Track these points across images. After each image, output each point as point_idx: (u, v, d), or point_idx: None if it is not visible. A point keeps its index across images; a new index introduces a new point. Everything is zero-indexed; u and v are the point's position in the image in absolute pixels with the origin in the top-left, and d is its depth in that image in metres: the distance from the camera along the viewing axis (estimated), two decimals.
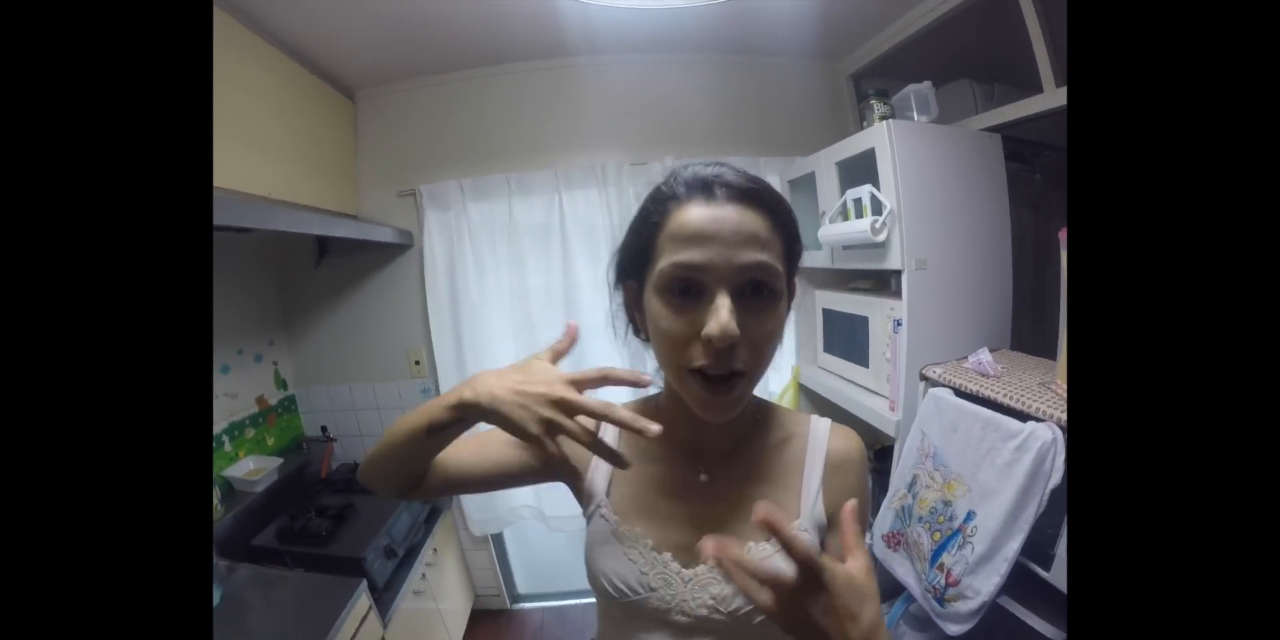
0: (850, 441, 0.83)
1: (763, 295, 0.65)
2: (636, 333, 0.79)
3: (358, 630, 1.68)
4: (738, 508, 0.77)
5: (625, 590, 0.75)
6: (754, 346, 0.65)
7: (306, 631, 1.54)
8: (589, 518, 0.82)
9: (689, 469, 0.80)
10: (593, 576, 0.80)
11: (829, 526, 0.78)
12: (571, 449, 0.71)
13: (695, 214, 0.64)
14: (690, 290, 0.64)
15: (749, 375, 0.66)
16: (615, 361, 0.93)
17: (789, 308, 0.71)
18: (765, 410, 0.85)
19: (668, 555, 0.75)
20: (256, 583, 1.77)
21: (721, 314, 0.61)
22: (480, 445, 0.82)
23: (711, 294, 0.63)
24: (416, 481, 0.79)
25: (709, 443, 0.80)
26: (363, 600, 1.74)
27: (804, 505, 0.78)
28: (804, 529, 0.76)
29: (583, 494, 0.84)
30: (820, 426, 0.84)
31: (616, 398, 0.81)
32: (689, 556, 0.75)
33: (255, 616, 1.63)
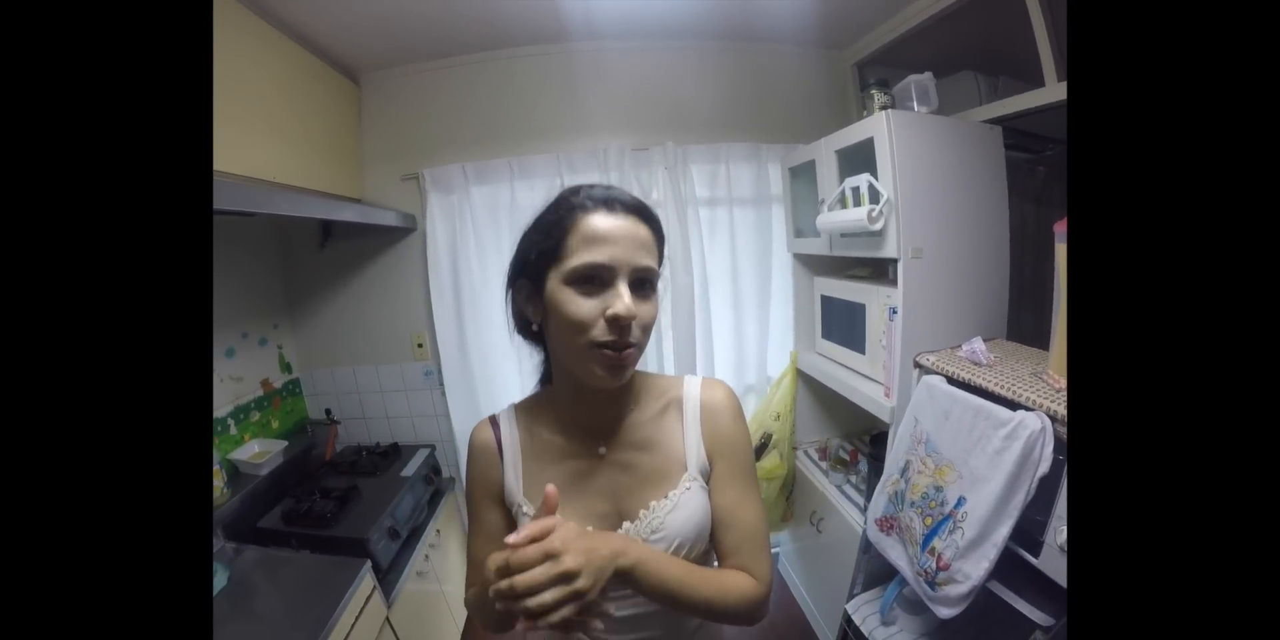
0: (717, 390, 0.97)
1: (646, 288, 0.82)
2: (521, 330, 0.93)
3: (362, 610, 1.71)
4: (635, 472, 0.91)
5: None
6: (643, 326, 0.80)
7: (312, 612, 1.56)
8: (516, 517, 0.93)
9: (590, 446, 0.93)
10: None
11: (710, 465, 0.92)
12: (497, 471, 0.95)
13: (602, 222, 0.79)
14: (597, 281, 0.78)
15: (639, 346, 0.82)
16: None
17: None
18: (644, 382, 0.99)
19: (589, 528, 0.85)
20: (263, 564, 1.80)
21: (625, 297, 0.77)
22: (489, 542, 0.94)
23: (613, 283, 0.78)
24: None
25: (603, 419, 0.93)
26: (367, 581, 1.77)
27: (689, 457, 0.92)
28: (693, 478, 0.91)
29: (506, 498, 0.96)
30: (692, 384, 0.98)
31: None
32: (608, 522, 0.89)
33: (262, 598, 1.66)
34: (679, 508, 0.88)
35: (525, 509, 0.91)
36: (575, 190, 0.85)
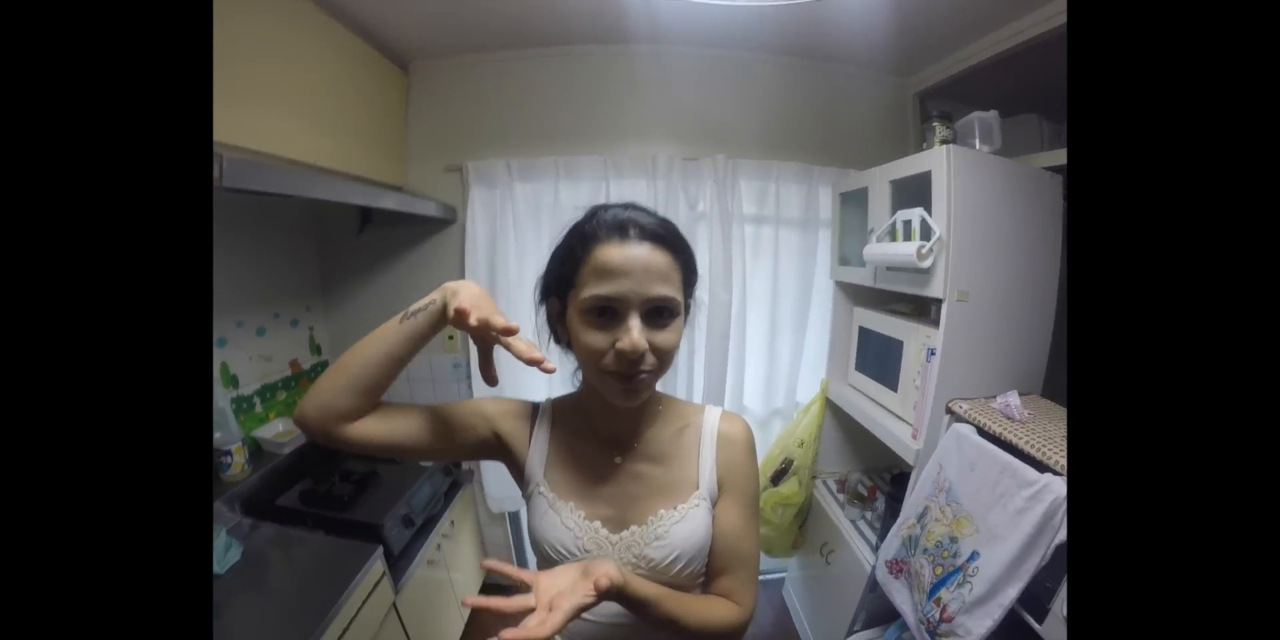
0: (736, 424, 1.01)
1: (664, 316, 0.82)
2: (557, 341, 0.95)
3: (370, 594, 1.74)
4: (646, 484, 0.95)
5: (565, 554, 0.91)
6: (658, 353, 0.82)
7: (321, 592, 1.59)
8: (529, 497, 0.98)
9: (607, 453, 0.97)
10: (536, 544, 0.96)
11: (719, 492, 0.95)
12: (509, 432, 0.99)
13: (613, 253, 0.80)
14: (607, 313, 0.80)
15: (653, 373, 0.84)
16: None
17: (686, 319, 0.90)
18: (666, 403, 1.03)
19: (597, 523, 0.92)
20: (278, 542, 1.84)
21: (633, 333, 0.78)
22: (429, 414, 0.94)
23: (625, 316, 0.80)
24: (359, 412, 0.86)
25: (622, 431, 0.98)
26: (377, 566, 1.79)
27: (701, 479, 0.95)
28: (703, 497, 0.94)
29: (522, 477, 1.00)
30: (713, 414, 1.02)
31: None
32: (614, 524, 0.92)
33: (274, 574, 1.70)
34: (686, 520, 0.91)
35: (542, 489, 0.95)
36: (594, 213, 0.87)
